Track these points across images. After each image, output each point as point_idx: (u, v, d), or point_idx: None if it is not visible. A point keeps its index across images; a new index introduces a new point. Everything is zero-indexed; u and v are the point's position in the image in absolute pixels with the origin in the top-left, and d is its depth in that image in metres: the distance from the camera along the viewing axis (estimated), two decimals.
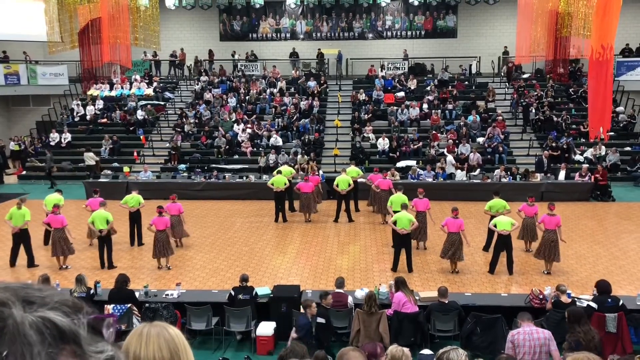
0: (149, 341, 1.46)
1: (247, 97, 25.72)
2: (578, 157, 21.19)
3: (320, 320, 7.93)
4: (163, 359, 1.44)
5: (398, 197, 13.35)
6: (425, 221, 13.33)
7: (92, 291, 9.34)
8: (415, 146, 21.80)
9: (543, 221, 11.79)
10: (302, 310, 8.01)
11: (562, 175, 19.34)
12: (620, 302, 8.67)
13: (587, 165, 19.84)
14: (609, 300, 8.73)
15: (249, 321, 8.97)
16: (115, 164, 21.93)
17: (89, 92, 26.50)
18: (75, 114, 25.48)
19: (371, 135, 22.79)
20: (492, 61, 27.69)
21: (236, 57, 29.18)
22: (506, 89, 26.14)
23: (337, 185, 16.12)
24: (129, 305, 8.91)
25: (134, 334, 1.49)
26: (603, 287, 8.86)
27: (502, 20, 28.23)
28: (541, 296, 9.16)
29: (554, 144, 21.24)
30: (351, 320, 8.77)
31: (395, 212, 12.64)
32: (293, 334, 7.59)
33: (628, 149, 22.07)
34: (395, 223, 11.85)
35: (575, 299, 8.92)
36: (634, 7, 25.34)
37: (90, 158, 21.47)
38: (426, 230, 13.39)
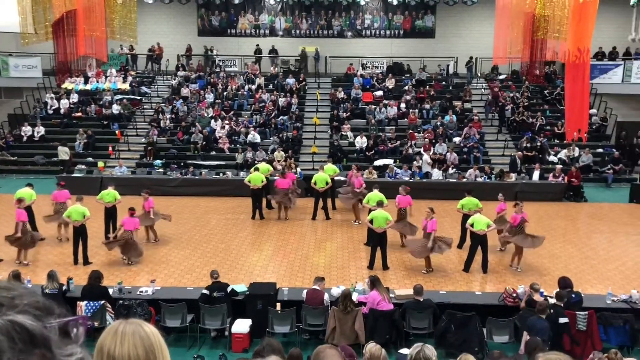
0: (124, 339, 1.43)
1: (224, 93, 25.56)
2: (552, 158, 21.54)
3: (563, 320, 8.10)
4: (138, 357, 1.41)
5: (374, 195, 13.40)
6: (407, 216, 13.52)
7: (64, 287, 9.19)
8: (393, 145, 21.92)
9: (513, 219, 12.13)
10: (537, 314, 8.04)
11: (536, 175, 19.63)
12: (582, 296, 9.08)
13: (561, 166, 20.17)
14: (573, 295, 8.93)
15: (225, 318, 8.92)
16: (90, 159, 21.61)
17: (63, 86, 26.05)
18: (49, 107, 25.02)
19: (349, 134, 22.84)
20: (468, 61, 27.90)
21: (215, 52, 28.97)
22: (482, 90, 26.43)
23: (315, 183, 16.13)
24: (102, 302, 8.79)
25: (108, 332, 1.46)
26: (564, 284, 9.11)
27: (480, 22, 28.49)
28: (514, 295, 9.29)
29: (528, 145, 21.56)
30: (327, 318, 8.78)
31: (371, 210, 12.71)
32: (527, 337, 7.63)
33: (600, 150, 22.51)
34: (371, 222, 11.90)
35: (548, 297, 9.06)
36: (607, 11, 25.76)
37: (64, 152, 21.12)
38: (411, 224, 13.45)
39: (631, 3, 24.50)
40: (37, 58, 26.44)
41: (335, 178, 17.06)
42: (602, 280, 11.50)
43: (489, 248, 11.91)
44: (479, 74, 27.70)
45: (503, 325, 8.75)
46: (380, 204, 12.33)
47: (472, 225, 11.67)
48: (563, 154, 21.61)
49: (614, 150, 22.35)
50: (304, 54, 28.13)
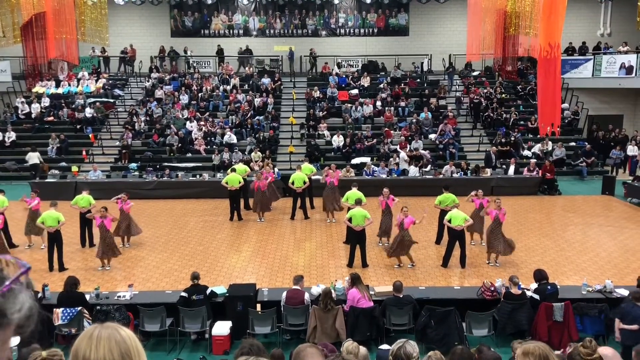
0: (99, 344, 1.42)
1: (200, 94, 25.38)
2: (526, 153, 21.85)
3: None
4: None
5: (353, 193, 13.44)
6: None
7: (40, 295, 9.02)
8: (369, 143, 22.01)
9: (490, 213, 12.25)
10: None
11: (511, 170, 19.91)
12: (558, 287, 9.20)
13: (535, 160, 20.48)
14: (549, 287, 9.07)
15: (204, 321, 8.86)
16: (63, 164, 21.27)
17: (34, 90, 25.56)
18: (19, 112, 24.55)
19: (326, 132, 22.85)
20: (442, 59, 28.19)
21: (189, 53, 28.75)
22: (457, 86, 26.68)
23: (293, 183, 16.11)
24: (79, 308, 8.66)
25: (84, 336, 1.45)
26: (540, 276, 9.24)
27: (453, 19, 28.77)
28: (492, 288, 9.39)
29: (503, 140, 21.83)
30: (308, 317, 8.77)
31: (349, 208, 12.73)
32: (622, 325, 7.56)
33: (573, 144, 22.90)
34: (350, 220, 11.93)
35: (525, 290, 9.18)
36: (576, 7, 26.24)
37: (35, 157, 20.76)
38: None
39: None
40: (6, 62, 25.93)
41: (312, 177, 17.03)
42: (577, 272, 11.70)
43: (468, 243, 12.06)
44: (450, 68, 27.92)
45: (482, 319, 8.84)
46: (358, 202, 12.36)
47: (449, 221, 11.77)
48: (537, 148, 21.94)
49: (586, 143, 22.76)
50: (312, 53, 28.03)
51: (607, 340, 8.70)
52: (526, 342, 2.69)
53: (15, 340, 5.54)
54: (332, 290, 9.10)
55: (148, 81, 26.58)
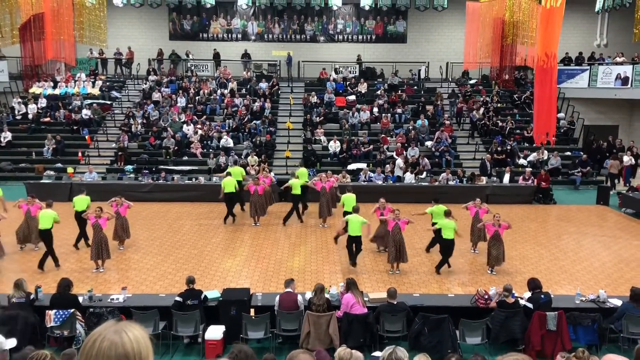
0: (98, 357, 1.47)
1: (197, 98, 25.39)
2: (522, 161, 21.91)
3: None
4: None
5: (351, 198, 13.44)
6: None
7: (32, 296, 8.98)
8: (366, 149, 22.04)
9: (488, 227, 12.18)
10: None
11: (506, 178, 19.95)
12: (552, 296, 9.24)
13: (531, 169, 20.54)
14: (542, 296, 9.08)
15: (198, 325, 8.83)
16: (59, 165, 21.22)
17: (30, 90, 25.53)
18: (16, 112, 24.50)
19: (323, 138, 22.87)
20: (440, 66, 28.30)
21: (191, 56, 28.77)
22: (454, 91, 26.77)
23: (291, 188, 16.14)
24: (72, 310, 8.61)
25: (86, 343, 1.50)
26: (533, 285, 9.25)
27: (451, 27, 28.89)
28: (486, 296, 9.40)
29: (499, 148, 21.90)
30: (301, 322, 8.75)
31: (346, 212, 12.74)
32: None
33: (568, 153, 22.98)
34: (346, 224, 11.93)
35: (519, 299, 9.19)
36: (573, 17, 26.42)
37: None
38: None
39: (596, 10, 25.13)
40: (4, 62, 25.88)
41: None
42: (571, 281, 11.72)
43: (464, 251, 12.06)
44: (450, 79, 28.07)
45: (475, 327, 8.83)
46: (356, 209, 12.35)
47: (440, 230, 11.79)
48: (532, 157, 22.01)
49: (582, 153, 22.85)
50: (359, 58, 28.13)
51: (600, 350, 8.72)
52: (508, 355, 2.35)
53: (11, 343, 5.50)
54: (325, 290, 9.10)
55: (145, 83, 26.57)
